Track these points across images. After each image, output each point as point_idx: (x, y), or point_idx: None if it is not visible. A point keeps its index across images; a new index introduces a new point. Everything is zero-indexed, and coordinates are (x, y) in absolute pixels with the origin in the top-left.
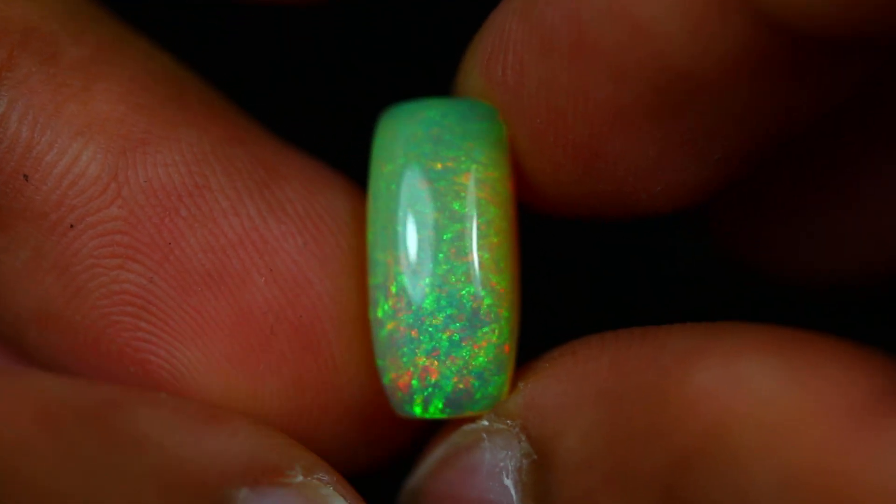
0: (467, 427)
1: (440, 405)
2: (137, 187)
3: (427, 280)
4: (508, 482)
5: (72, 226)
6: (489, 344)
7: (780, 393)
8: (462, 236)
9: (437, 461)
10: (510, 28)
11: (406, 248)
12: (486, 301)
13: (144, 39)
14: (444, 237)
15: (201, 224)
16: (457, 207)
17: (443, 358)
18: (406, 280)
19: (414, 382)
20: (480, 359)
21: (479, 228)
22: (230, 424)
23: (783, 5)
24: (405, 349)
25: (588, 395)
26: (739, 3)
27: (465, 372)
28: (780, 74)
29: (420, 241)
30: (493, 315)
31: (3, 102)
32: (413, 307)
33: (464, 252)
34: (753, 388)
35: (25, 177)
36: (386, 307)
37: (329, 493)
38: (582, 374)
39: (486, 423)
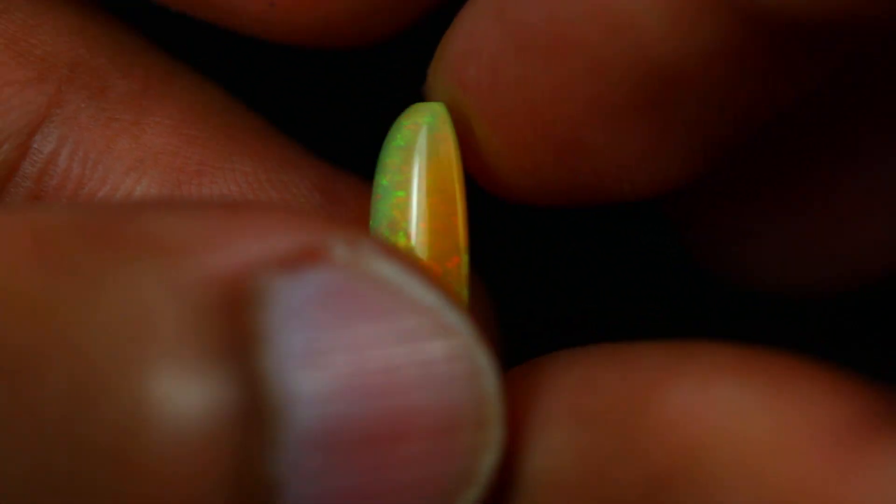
0: None
1: None
2: None
3: None
4: None
5: None
6: None
7: (754, 414)
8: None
9: None
10: (483, 28)
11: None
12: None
13: (192, 70)
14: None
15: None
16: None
17: None
18: None
19: None
20: None
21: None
22: (257, 211)
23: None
24: None
25: (557, 413)
26: None
27: None
28: (757, 63)
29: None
30: None
31: (53, 139)
32: None
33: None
34: (728, 409)
35: None
36: None
37: (378, 262)
38: (551, 390)
39: None
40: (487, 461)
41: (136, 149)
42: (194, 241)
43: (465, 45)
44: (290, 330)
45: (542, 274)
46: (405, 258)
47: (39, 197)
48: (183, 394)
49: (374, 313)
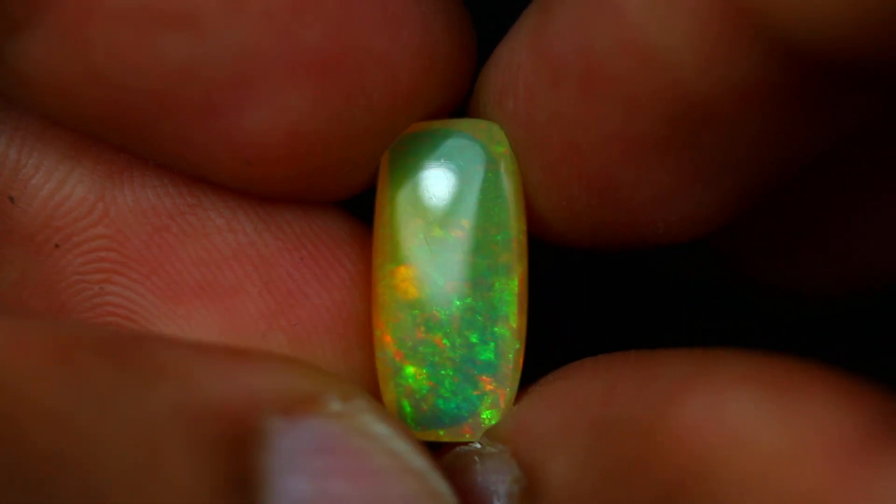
0: (460, 449)
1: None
2: (125, 207)
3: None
4: None
5: (57, 245)
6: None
7: (765, 428)
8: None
9: None
10: (520, 61)
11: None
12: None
13: None
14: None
15: (193, 240)
16: (479, 261)
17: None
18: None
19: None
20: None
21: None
22: (259, 357)
23: (797, 33)
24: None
25: (578, 423)
26: (754, 31)
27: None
28: (792, 103)
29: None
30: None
31: None
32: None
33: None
34: (739, 423)
35: (11, 199)
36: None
37: (370, 419)
38: (573, 399)
39: (478, 445)
40: None
41: (71, 138)
42: (204, 372)
43: (502, 78)
44: (289, 476)
45: (563, 281)
46: (395, 418)
47: None
48: None
49: (368, 471)
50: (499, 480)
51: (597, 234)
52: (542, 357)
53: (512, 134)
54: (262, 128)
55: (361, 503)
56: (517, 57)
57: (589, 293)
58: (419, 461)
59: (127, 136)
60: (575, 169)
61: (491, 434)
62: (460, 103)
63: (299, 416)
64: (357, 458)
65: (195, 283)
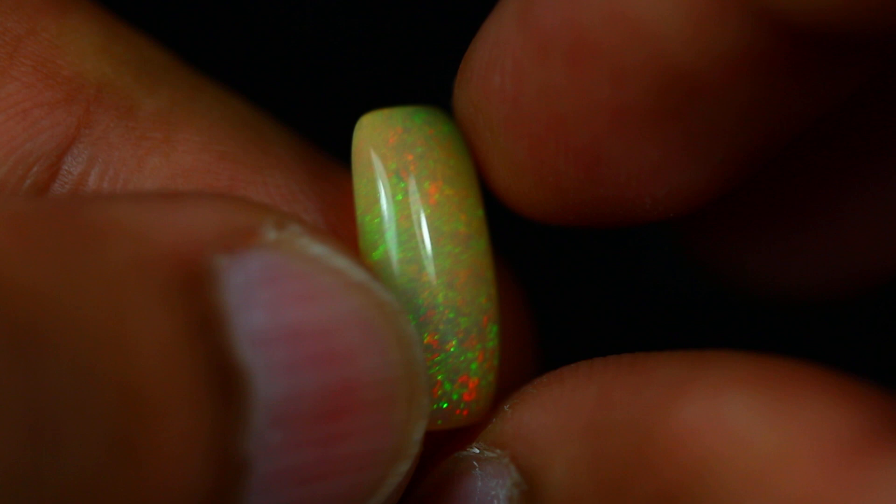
0: (459, 454)
1: None
2: None
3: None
4: None
5: None
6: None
7: (761, 432)
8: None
9: (430, 488)
10: (507, 35)
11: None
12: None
13: (217, 85)
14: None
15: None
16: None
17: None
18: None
19: None
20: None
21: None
22: (190, 196)
23: (783, 2)
24: None
25: (575, 427)
26: (740, 1)
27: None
28: (781, 74)
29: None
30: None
31: (83, 160)
32: None
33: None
34: (736, 427)
35: None
36: None
37: (306, 242)
38: (569, 404)
39: (476, 450)
40: (417, 435)
41: (167, 167)
42: (146, 221)
43: (489, 54)
44: (244, 311)
45: (556, 284)
46: (330, 237)
47: None
48: (165, 371)
49: (314, 292)
50: (499, 485)
51: (583, 211)
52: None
53: (498, 111)
54: None
55: (317, 324)
56: (504, 31)
57: (583, 294)
58: (360, 274)
59: None
60: (562, 144)
61: (488, 439)
62: None
63: (241, 251)
64: (302, 282)
65: None
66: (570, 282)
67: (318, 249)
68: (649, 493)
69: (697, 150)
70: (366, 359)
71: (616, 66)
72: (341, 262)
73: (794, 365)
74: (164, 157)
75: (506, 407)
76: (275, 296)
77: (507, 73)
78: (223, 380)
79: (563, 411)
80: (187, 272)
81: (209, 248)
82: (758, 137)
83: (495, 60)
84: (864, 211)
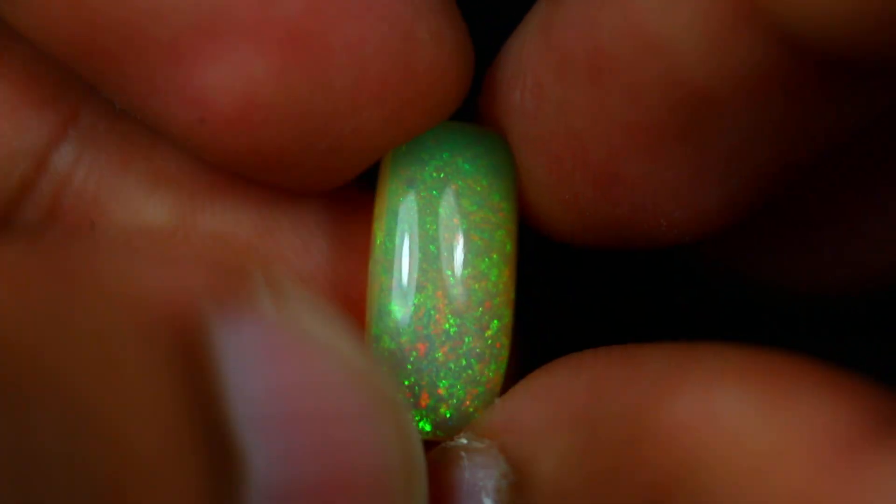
0: (446, 444)
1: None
2: (205, 235)
3: (411, 304)
4: (488, 501)
5: None
6: (482, 384)
7: (754, 426)
8: (449, 263)
9: None
10: (528, 53)
11: (398, 271)
12: (487, 340)
13: None
14: (433, 264)
15: (269, 263)
16: (472, 241)
17: (422, 383)
18: (394, 302)
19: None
20: (462, 391)
21: (490, 264)
22: (191, 260)
23: (796, 24)
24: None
25: (565, 419)
26: (754, 19)
27: (444, 397)
28: (794, 96)
29: (411, 264)
30: (489, 354)
31: (70, 158)
32: (397, 330)
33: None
34: (728, 420)
35: (93, 224)
36: (377, 328)
37: (298, 308)
38: (559, 395)
39: (464, 441)
40: None
41: (151, 169)
42: (145, 284)
43: (510, 70)
44: (240, 375)
45: (551, 280)
46: (318, 303)
47: (55, 214)
48: (154, 428)
49: (306, 359)
50: (487, 476)
51: (600, 232)
52: (531, 352)
53: (518, 128)
54: (218, 84)
55: (309, 389)
56: (526, 48)
57: (578, 286)
58: (364, 363)
59: (98, 74)
60: (580, 161)
61: (477, 429)
62: (446, 115)
63: (235, 314)
64: (295, 348)
65: None
66: (565, 273)
67: (309, 317)
68: (640, 485)
69: (712, 172)
70: (365, 449)
71: (633, 83)
72: (328, 331)
73: (785, 358)
74: (148, 160)
75: (496, 399)
76: (270, 360)
77: (528, 89)
78: (219, 457)
79: (554, 402)
80: (185, 339)
81: (204, 308)
82: (772, 163)
83: (516, 77)
84: (871, 212)
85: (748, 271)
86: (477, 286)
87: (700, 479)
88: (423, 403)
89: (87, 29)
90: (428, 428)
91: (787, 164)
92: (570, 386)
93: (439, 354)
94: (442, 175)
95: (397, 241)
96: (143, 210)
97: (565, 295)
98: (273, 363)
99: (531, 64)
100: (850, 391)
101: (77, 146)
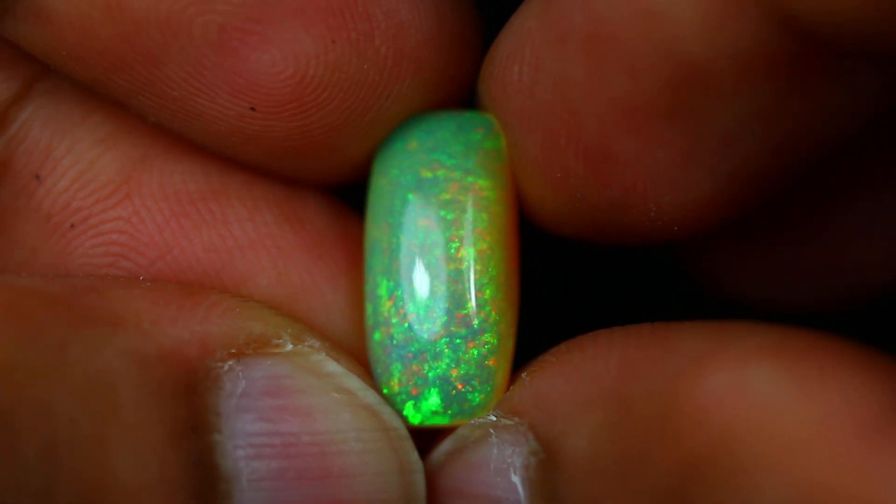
0: (475, 421)
1: (430, 411)
2: (149, 191)
3: (417, 290)
4: (516, 479)
5: (73, 226)
6: (477, 353)
7: (789, 405)
8: (451, 246)
9: (444, 455)
10: (528, 27)
11: (398, 258)
12: (475, 310)
13: None
14: (434, 251)
15: (210, 227)
16: (445, 215)
17: (430, 366)
18: (399, 290)
19: (405, 389)
20: (464, 367)
21: (469, 236)
22: (209, 299)
23: (803, 3)
24: (394, 355)
25: (596, 396)
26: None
27: (453, 380)
28: (792, 80)
29: (411, 251)
30: (479, 324)
31: (30, 108)
32: (404, 315)
33: (453, 261)
34: (763, 398)
35: (38, 177)
36: (378, 315)
37: (321, 358)
38: (590, 372)
39: (493, 418)
40: None
41: (110, 123)
42: (157, 320)
43: (511, 45)
44: (241, 417)
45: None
46: (345, 356)
47: (7, 162)
48: (143, 467)
49: (320, 408)
50: (515, 453)
51: (590, 217)
52: (535, 335)
53: (514, 102)
54: (269, 68)
55: (314, 440)
56: (526, 23)
57: (580, 278)
58: (372, 397)
59: (135, 83)
60: (573, 137)
61: (506, 406)
62: (462, 96)
63: (250, 358)
64: (308, 397)
65: (202, 270)
66: (567, 266)
67: (333, 367)
68: (672, 463)
69: (704, 156)
70: (363, 481)
71: (632, 58)
72: (353, 383)
73: (819, 336)
74: (109, 115)
75: (524, 375)
76: (277, 406)
77: (526, 63)
78: (205, 483)
79: (584, 380)
80: (186, 373)
81: (217, 351)
82: (764, 153)
83: (515, 51)
84: (861, 224)
85: (740, 286)
86: (476, 275)
87: (733, 455)
88: (414, 392)
89: (127, 33)
90: (419, 419)
91: (781, 159)
92: (601, 364)
93: (439, 343)
94: (433, 166)
95: (390, 233)
96: (94, 163)
97: (561, 296)
98: (276, 396)
99: (531, 39)
100: (886, 370)
101: (38, 98)
